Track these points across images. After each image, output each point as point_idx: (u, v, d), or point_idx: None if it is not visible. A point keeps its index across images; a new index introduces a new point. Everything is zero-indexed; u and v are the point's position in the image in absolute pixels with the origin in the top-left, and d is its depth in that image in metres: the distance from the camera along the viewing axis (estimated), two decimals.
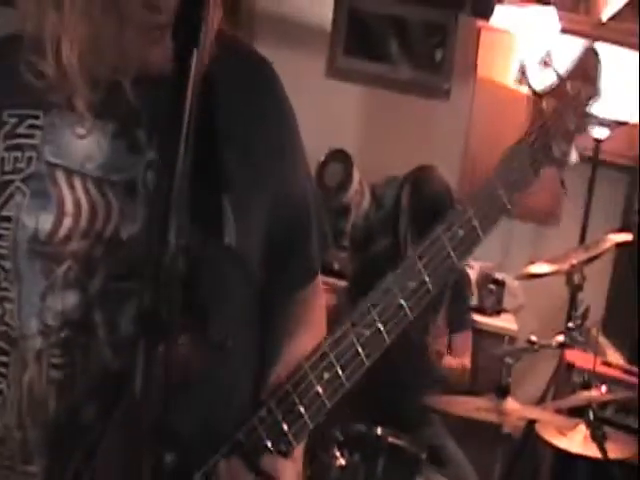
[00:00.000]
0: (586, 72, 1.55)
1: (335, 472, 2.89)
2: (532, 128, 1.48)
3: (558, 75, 1.54)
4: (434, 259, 1.32)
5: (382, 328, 1.29)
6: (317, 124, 4.86)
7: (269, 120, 1.36)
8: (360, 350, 1.28)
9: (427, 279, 1.31)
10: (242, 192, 1.26)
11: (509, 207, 1.40)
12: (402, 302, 1.30)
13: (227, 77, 1.27)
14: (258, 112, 1.33)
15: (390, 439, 2.98)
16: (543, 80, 1.56)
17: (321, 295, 1.55)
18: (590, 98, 1.55)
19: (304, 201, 1.44)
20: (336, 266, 4.67)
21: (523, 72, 1.70)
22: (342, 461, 2.90)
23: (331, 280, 4.26)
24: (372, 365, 1.31)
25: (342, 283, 4.15)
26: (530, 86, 1.65)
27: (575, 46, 1.59)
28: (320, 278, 1.54)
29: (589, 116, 1.55)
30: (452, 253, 1.33)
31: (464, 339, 3.61)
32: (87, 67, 1.18)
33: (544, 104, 1.52)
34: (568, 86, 1.53)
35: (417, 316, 1.33)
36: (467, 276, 3.88)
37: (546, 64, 1.57)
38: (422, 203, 3.38)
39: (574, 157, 1.53)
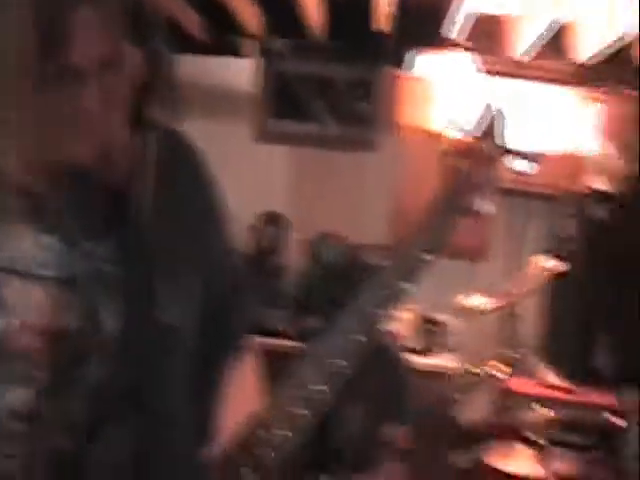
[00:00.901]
0: (491, 129, 1.66)
1: None
2: (447, 186, 1.60)
3: (467, 135, 1.66)
4: (361, 321, 1.41)
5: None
6: (250, 188, 5.00)
7: (195, 200, 1.42)
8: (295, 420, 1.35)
9: (359, 337, 1.40)
10: (173, 271, 1.30)
11: (429, 264, 1.50)
12: (338, 364, 1.37)
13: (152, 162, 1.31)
14: (183, 194, 1.38)
15: None
16: (455, 139, 1.70)
17: (254, 359, 1.59)
18: (498, 153, 1.66)
19: (231, 272, 1.51)
20: (276, 327, 4.76)
21: (437, 134, 1.84)
22: None
23: (271, 341, 4.40)
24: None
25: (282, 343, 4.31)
26: (444, 146, 1.78)
27: (489, 93, 1.71)
28: (252, 342, 1.58)
29: (499, 170, 1.66)
30: (378, 313, 1.43)
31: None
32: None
33: (457, 162, 1.64)
34: (477, 144, 1.65)
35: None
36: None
37: (456, 125, 1.71)
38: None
39: (491, 208, 1.64)
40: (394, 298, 1.46)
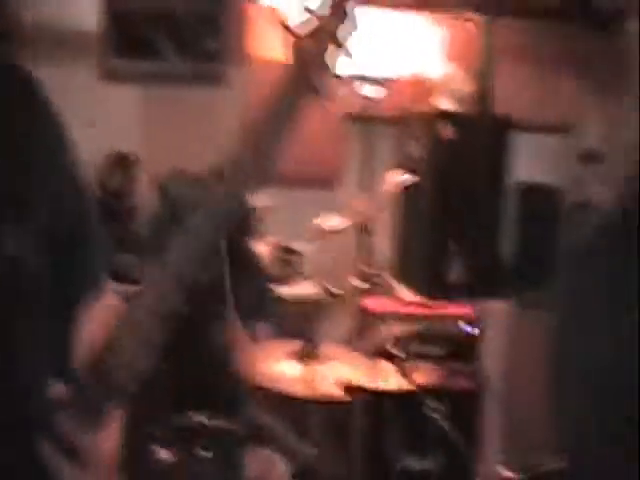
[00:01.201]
0: (339, 6, 1.61)
1: (160, 469, 2.84)
2: (293, 66, 1.58)
3: (313, 14, 1.63)
4: (212, 226, 1.37)
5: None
6: (95, 129, 4.82)
7: (37, 136, 1.35)
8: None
9: (211, 241, 1.37)
10: (17, 207, 1.26)
11: (279, 150, 1.45)
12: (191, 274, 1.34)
13: None
14: (24, 129, 1.33)
15: (212, 424, 2.97)
16: (301, 21, 1.66)
17: (109, 303, 1.55)
18: (344, 30, 1.61)
19: (81, 214, 1.45)
20: (126, 272, 4.63)
21: (283, 21, 1.79)
22: (165, 456, 2.85)
23: (123, 286, 4.30)
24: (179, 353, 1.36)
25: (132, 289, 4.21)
26: (290, 30, 1.74)
27: None
28: (106, 286, 1.55)
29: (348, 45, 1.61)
30: (232, 212, 1.39)
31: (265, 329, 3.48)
32: None
33: (303, 43, 1.62)
34: (324, 23, 1.61)
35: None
36: (256, 256, 3.79)
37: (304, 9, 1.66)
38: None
39: (338, 90, 1.60)
40: (247, 190, 1.42)
